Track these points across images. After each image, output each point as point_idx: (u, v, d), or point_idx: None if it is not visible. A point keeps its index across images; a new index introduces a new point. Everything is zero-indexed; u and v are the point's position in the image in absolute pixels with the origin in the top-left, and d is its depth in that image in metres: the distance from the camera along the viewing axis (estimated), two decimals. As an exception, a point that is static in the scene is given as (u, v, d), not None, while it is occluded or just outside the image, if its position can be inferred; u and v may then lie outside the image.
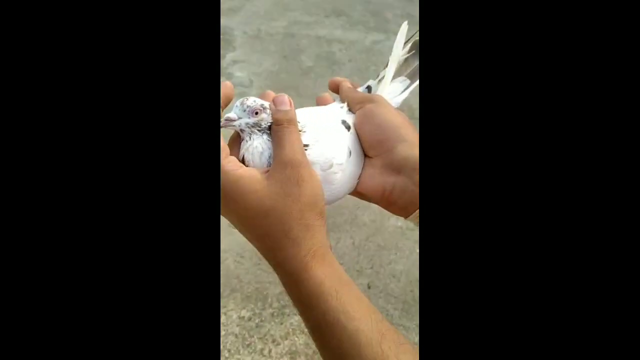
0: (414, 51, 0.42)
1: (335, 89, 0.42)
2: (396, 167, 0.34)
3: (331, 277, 0.30)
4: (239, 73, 2.00)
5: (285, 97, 0.35)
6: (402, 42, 0.42)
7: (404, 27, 0.42)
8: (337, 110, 0.39)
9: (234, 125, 0.35)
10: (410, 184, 0.33)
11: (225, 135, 0.34)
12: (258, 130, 0.35)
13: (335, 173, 0.35)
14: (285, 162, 0.32)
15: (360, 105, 0.38)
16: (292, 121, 0.34)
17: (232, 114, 0.35)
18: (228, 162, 0.32)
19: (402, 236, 1.31)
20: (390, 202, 0.35)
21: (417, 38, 0.42)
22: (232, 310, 1.11)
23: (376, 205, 0.36)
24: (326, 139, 0.36)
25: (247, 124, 0.35)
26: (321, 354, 0.31)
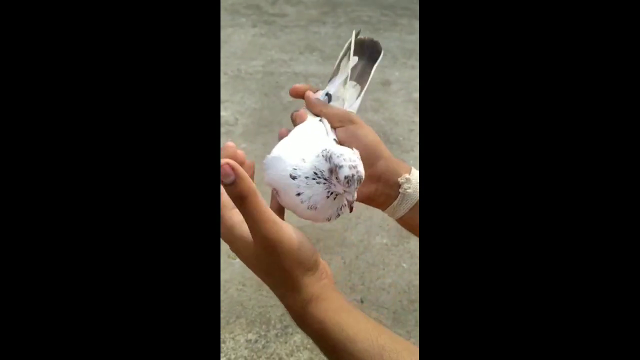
0: (349, 52, 0.47)
1: (297, 96, 0.47)
2: (376, 178, 0.43)
3: (332, 311, 0.34)
4: (223, 112, 2.13)
5: (226, 167, 0.32)
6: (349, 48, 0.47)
7: (353, 35, 0.48)
8: (320, 130, 0.42)
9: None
10: (386, 188, 0.43)
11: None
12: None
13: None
14: (257, 240, 0.34)
15: (340, 123, 0.44)
16: (244, 194, 0.33)
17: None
18: (229, 217, 0.36)
19: (388, 252, 1.44)
20: (372, 200, 0.44)
21: (353, 40, 0.48)
22: (239, 334, 1.21)
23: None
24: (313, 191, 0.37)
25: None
26: None
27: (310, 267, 0.36)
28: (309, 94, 0.46)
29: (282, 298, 0.36)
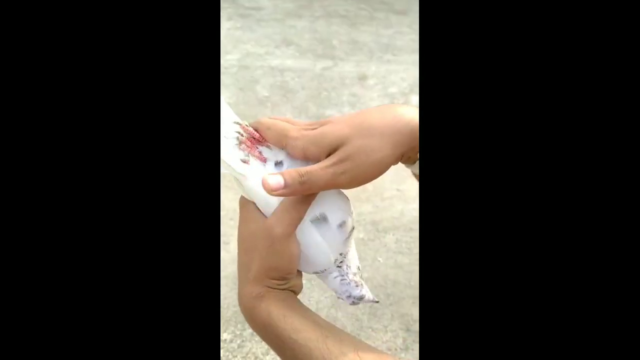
0: None
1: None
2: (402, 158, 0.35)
3: (278, 307, 0.35)
4: (198, 107, 2.09)
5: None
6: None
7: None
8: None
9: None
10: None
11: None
12: None
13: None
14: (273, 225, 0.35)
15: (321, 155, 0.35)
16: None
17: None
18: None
19: (365, 246, 1.43)
20: None
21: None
22: (213, 334, 1.19)
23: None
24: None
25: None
26: None
27: (285, 278, 0.37)
28: (265, 181, 0.33)
29: (243, 276, 0.37)
